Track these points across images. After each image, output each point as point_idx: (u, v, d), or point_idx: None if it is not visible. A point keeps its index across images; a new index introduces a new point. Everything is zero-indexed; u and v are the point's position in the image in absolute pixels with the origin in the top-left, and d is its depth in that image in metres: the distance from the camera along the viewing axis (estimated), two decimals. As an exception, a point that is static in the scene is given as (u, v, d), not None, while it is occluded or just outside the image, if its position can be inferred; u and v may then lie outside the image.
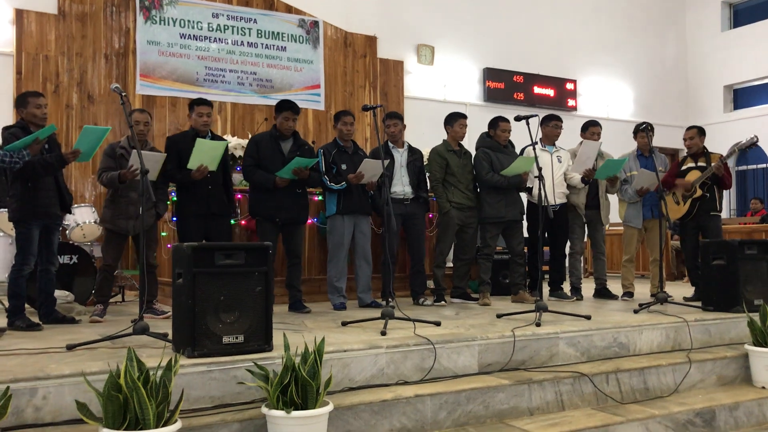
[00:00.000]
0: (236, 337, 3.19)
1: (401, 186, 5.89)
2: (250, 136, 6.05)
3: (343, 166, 5.55)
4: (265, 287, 3.27)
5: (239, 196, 5.97)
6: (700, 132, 6.38)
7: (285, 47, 10.09)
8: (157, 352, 3.21)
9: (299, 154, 5.34)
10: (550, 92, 12.62)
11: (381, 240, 5.64)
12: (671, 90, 14.26)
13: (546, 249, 6.81)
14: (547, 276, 6.71)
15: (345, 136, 5.69)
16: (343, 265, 5.60)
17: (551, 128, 6.43)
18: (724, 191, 6.50)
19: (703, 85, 14.32)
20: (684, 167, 6.42)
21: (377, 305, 5.61)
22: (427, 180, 6.16)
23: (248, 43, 9.84)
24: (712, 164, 6.18)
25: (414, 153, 6.04)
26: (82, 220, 6.35)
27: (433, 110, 10.65)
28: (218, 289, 3.18)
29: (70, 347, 3.45)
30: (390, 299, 4.41)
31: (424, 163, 6.18)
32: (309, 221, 6.08)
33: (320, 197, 6.28)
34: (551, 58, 12.71)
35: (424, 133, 9.20)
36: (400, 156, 5.94)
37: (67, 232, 6.33)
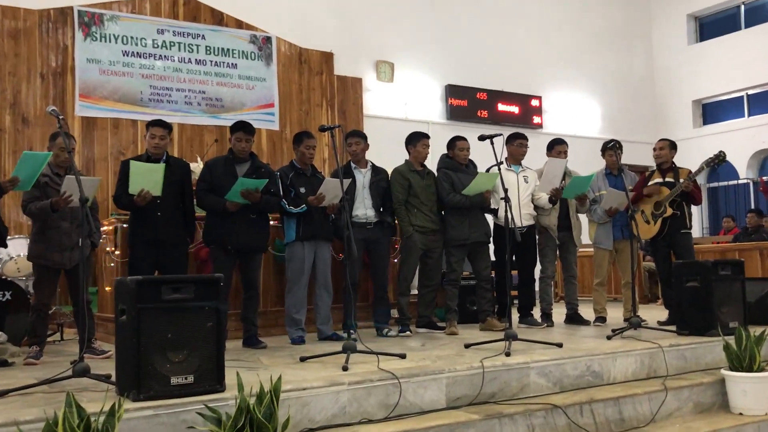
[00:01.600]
0: (185, 378, 3.13)
1: (363, 209, 5.89)
2: (198, 159, 6.01)
3: (302, 189, 5.54)
4: (216, 323, 3.23)
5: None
6: (672, 145, 6.49)
7: (236, 64, 10.07)
8: (99, 396, 3.12)
9: (255, 177, 5.30)
10: (515, 109, 12.81)
11: (342, 267, 5.60)
12: (639, 105, 14.59)
13: (514, 273, 6.85)
14: (516, 302, 6.75)
15: (307, 160, 5.69)
16: (302, 296, 5.56)
17: (516, 147, 6.51)
18: (694, 207, 6.64)
19: (672, 100, 14.68)
20: (651, 182, 6.50)
21: (338, 338, 5.58)
22: (393, 202, 6.22)
23: (196, 60, 9.79)
24: (681, 180, 6.29)
25: (378, 173, 6.06)
26: (16, 253, 6.17)
27: (393, 129, 10.68)
28: (165, 325, 3.12)
29: (2, 394, 3.34)
30: (352, 331, 4.38)
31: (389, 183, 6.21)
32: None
33: (277, 223, 6.20)
34: (515, 73, 12.92)
35: (384, 154, 9.16)
36: (363, 177, 5.96)
37: (0, 266, 6.17)
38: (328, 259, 5.69)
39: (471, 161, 6.42)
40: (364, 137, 6.09)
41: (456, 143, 6.29)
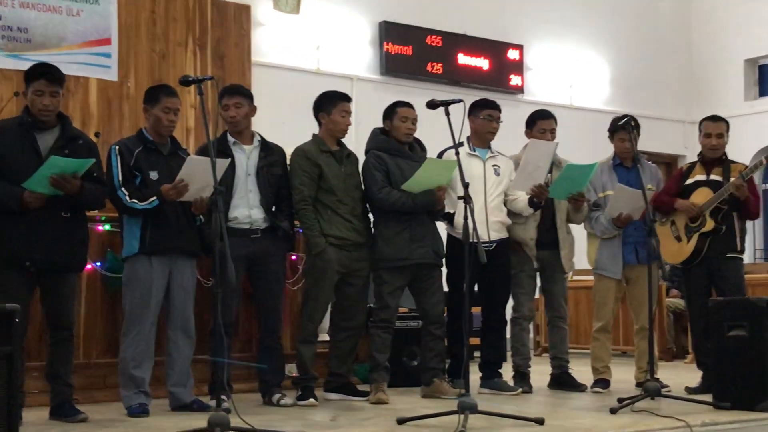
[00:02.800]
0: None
1: (246, 208, 5.87)
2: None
3: (154, 174, 5.50)
4: (6, 381, 3.15)
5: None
6: (728, 129, 6.66)
7: (51, -25, 9.92)
8: None
9: (67, 153, 5.17)
10: (484, 63, 12.86)
11: (211, 298, 5.55)
12: (667, 66, 14.75)
13: (476, 311, 6.95)
14: (477, 354, 6.77)
15: (164, 129, 5.64)
16: (146, 341, 5.49)
17: (483, 121, 6.53)
18: (748, 222, 6.84)
19: (715, 60, 14.88)
20: (690, 180, 6.64)
21: (202, 407, 5.49)
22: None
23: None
24: (731, 180, 6.38)
25: (271, 153, 6.07)
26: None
27: (298, 86, 10.59)
28: None
29: None
30: (224, 397, 4.33)
31: (288, 170, 6.19)
32: (88, 267, 5.89)
33: (108, 227, 6.16)
34: (485, 10, 12.96)
35: (284, 123, 9.20)
36: (247, 157, 5.93)
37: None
38: (190, 286, 5.65)
39: (417, 140, 6.42)
40: (250, 97, 6.05)
41: (398, 111, 6.29)
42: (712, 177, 6.57)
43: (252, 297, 6.17)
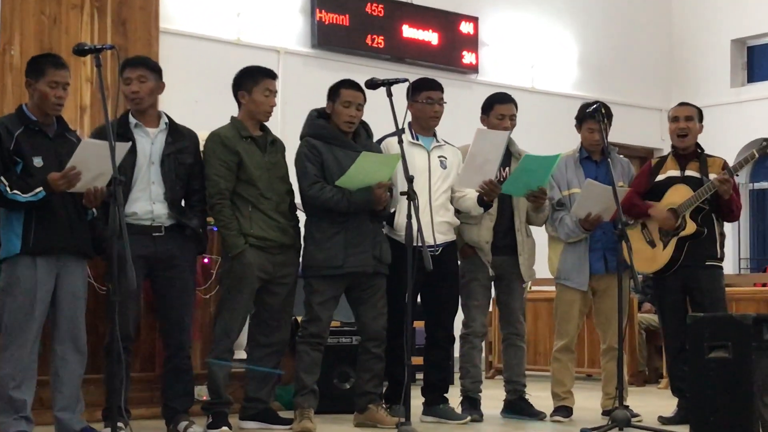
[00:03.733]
0: None
1: (148, 201, 5.85)
2: None
3: (38, 161, 5.45)
4: None
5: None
6: (700, 115, 6.76)
7: None
8: None
9: None
10: (432, 37, 12.84)
11: (106, 307, 5.52)
12: (644, 46, 14.91)
13: (419, 326, 6.97)
14: (420, 377, 6.75)
15: (52, 108, 5.58)
16: (29, 356, 5.42)
17: (423, 105, 6.55)
18: (728, 224, 6.92)
19: (698, 40, 14.98)
20: (661, 176, 6.73)
21: (94, 435, 5.45)
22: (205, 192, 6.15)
23: None
24: (711, 177, 6.46)
25: (179, 138, 6.04)
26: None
27: (215, 60, 10.59)
28: None
29: None
30: (121, 424, 4.38)
31: (201, 158, 6.18)
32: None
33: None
34: (435, -26, 13.06)
35: (197, 102, 9.27)
36: (150, 142, 5.91)
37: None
38: (81, 292, 5.60)
39: (364, 124, 6.48)
40: (158, 71, 6.02)
41: (339, 94, 6.29)
42: (688, 173, 6.66)
43: (155, 308, 6.12)
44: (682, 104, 6.89)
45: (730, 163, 6.76)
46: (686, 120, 6.68)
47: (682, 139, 6.70)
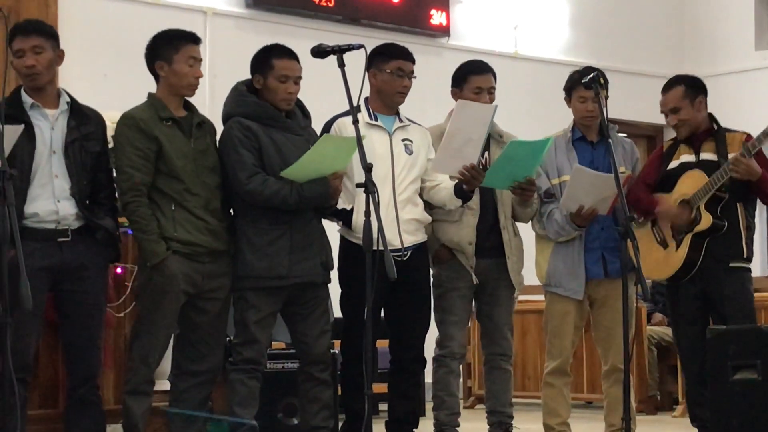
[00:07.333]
0: None
1: (51, 200, 5.75)
2: None
3: None
4: None
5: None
6: (694, 89, 6.59)
7: None
8: None
9: None
10: (394, -7, 12.72)
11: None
12: (652, 3, 14.96)
13: (382, 346, 6.84)
14: (384, 408, 6.79)
15: None
16: None
17: (391, 76, 6.40)
18: (759, 214, 6.88)
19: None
20: (674, 163, 6.61)
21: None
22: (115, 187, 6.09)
23: None
24: (731, 156, 6.26)
25: (85, 121, 5.92)
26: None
27: (126, 24, 10.43)
28: None
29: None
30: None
31: (110, 146, 6.11)
32: None
33: None
34: None
35: (105, 76, 9.38)
36: (50, 126, 5.80)
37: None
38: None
39: (300, 105, 6.27)
40: (55, 38, 5.89)
41: (272, 66, 6.09)
42: (704, 156, 6.50)
43: (58, 328, 6.06)
44: (664, 88, 6.79)
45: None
46: (673, 113, 6.61)
47: (679, 130, 6.66)
